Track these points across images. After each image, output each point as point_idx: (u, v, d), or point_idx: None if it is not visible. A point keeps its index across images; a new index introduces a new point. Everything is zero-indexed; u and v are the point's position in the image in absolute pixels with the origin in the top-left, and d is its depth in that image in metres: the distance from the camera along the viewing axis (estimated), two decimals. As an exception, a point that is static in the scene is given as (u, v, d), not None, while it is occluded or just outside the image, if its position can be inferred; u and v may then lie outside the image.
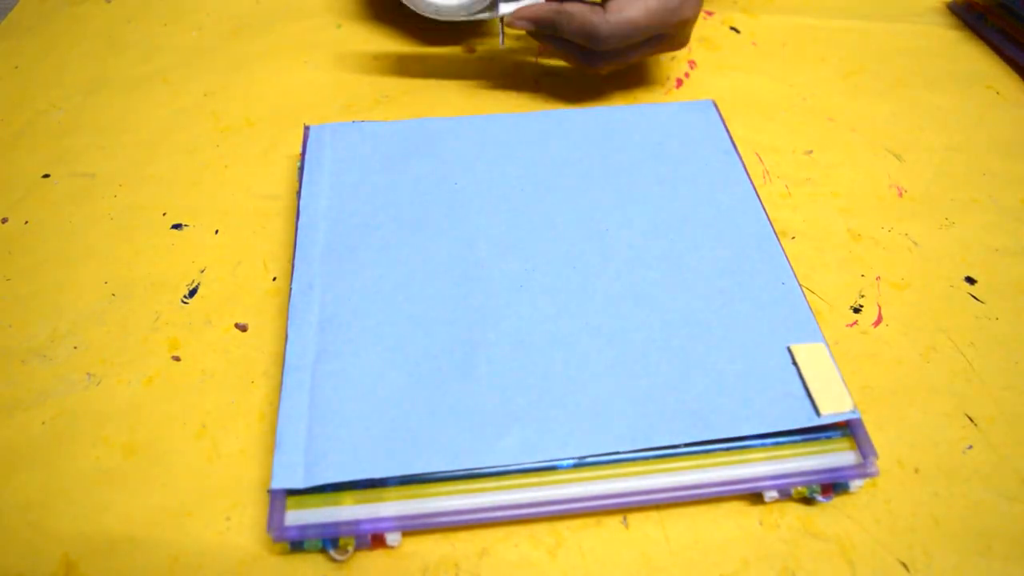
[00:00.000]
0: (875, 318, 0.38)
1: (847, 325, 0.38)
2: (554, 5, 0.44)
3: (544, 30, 0.45)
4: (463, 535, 0.31)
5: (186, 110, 0.49)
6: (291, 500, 0.29)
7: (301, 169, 0.41)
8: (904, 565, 0.30)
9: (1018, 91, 0.51)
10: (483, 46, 0.54)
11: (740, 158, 0.42)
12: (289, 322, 0.34)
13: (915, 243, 0.42)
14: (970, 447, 0.33)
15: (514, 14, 0.44)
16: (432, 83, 0.51)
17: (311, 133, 0.43)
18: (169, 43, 0.54)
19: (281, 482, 0.29)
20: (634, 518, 0.31)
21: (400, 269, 0.36)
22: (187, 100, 0.49)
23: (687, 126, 0.44)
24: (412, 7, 0.46)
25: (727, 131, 0.43)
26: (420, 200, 0.40)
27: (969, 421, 0.34)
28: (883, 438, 0.34)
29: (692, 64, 0.52)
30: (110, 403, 0.34)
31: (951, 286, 0.40)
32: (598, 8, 0.42)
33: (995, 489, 0.32)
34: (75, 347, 0.36)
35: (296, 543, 0.29)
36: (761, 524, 0.31)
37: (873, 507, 0.32)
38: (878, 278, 0.40)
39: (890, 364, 0.36)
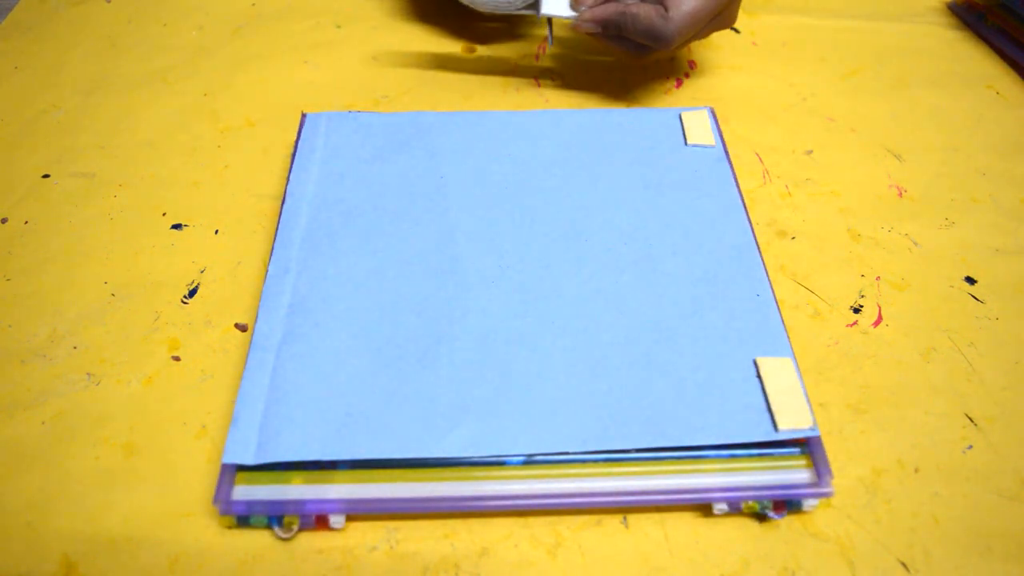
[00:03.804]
0: (875, 318, 0.38)
1: (847, 325, 0.38)
2: (618, 7, 0.44)
3: (608, 31, 0.45)
4: (463, 535, 0.31)
5: (186, 110, 0.49)
6: (241, 475, 0.30)
7: (293, 155, 0.42)
8: (904, 565, 0.30)
9: (1018, 91, 0.51)
10: (483, 46, 0.54)
11: (731, 167, 0.42)
12: (261, 303, 0.35)
13: (915, 243, 0.42)
14: (970, 447, 0.33)
15: (580, 17, 0.45)
16: (432, 83, 0.51)
17: (307, 120, 0.44)
18: (169, 43, 0.54)
19: (233, 457, 0.30)
20: (634, 518, 0.31)
21: (376, 258, 0.37)
22: (187, 100, 0.49)
23: (680, 132, 0.44)
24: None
25: (722, 139, 0.43)
26: (404, 192, 0.40)
27: (969, 421, 0.34)
28: (883, 438, 0.34)
29: (692, 64, 0.52)
30: (110, 403, 0.34)
31: (951, 286, 0.40)
32: (660, 8, 0.43)
33: (995, 489, 0.32)
34: (75, 347, 0.36)
35: (242, 518, 0.30)
36: (761, 524, 0.31)
37: (873, 507, 0.32)
38: (878, 278, 0.40)
39: (890, 364, 0.36)
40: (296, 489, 0.30)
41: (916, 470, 0.33)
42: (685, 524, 0.31)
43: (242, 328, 0.37)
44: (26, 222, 0.42)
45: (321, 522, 0.30)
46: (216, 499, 0.29)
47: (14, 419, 0.34)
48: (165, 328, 0.37)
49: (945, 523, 0.31)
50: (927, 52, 0.54)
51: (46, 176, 0.44)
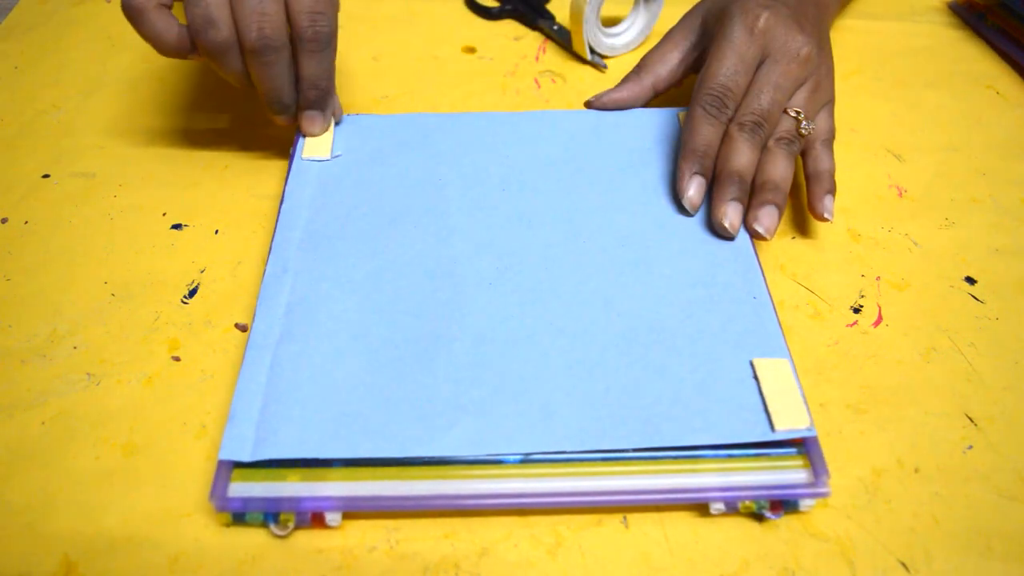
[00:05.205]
0: (875, 318, 0.38)
1: (847, 325, 0.38)
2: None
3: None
4: (463, 535, 0.31)
5: (186, 110, 0.49)
6: (237, 472, 0.30)
7: (292, 156, 0.42)
8: (904, 565, 0.30)
9: (1018, 91, 0.51)
10: (483, 46, 0.54)
11: None
12: (259, 302, 0.35)
13: (915, 243, 0.42)
14: (970, 447, 0.33)
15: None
16: (432, 83, 0.51)
17: None
18: (169, 43, 0.54)
19: (229, 454, 0.30)
20: (634, 518, 0.31)
21: (374, 260, 0.37)
22: (187, 100, 0.49)
23: (679, 132, 0.43)
24: (591, 44, 0.51)
25: None
26: (403, 193, 0.40)
27: (969, 421, 0.34)
28: (883, 438, 0.34)
29: (692, 64, 0.52)
30: (110, 403, 0.34)
31: (951, 286, 0.40)
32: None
33: (995, 489, 0.32)
34: (75, 347, 0.36)
35: (238, 515, 0.30)
36: (761, 524, 0.31)
37: (873, 507, 0.32)
38: (878, 278, 0.40)
39: (890, 364, 0.36)
40: (292, 486, 0.30)
41: (916, 470, 0.33)
42: (685, 524, 0.31)
43: (242, 328, 0.37)
44: (26, 222, 0.42)
45: (317, 519, 0.30)
46: (212, 495, 0.29)
47: (14, 419, 0.34)
48: (165, 328, 0.37)
49: (945, 523, 0.31)
50: (927, 52, 0.54)
51: (46, 176, 0.44)
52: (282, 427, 0.31)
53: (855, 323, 0.38)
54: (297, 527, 0.30)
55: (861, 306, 0.39)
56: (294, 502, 0.30)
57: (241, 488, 0.30)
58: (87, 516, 0.31)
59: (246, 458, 0.30)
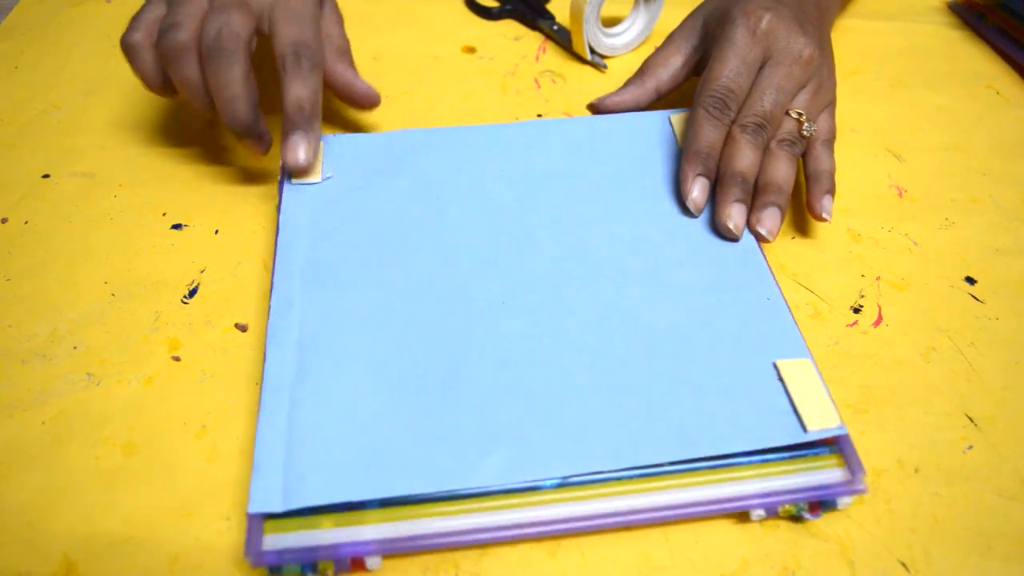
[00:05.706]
0: (875, 318, 0.38)
1: (847, 325, 0.38)
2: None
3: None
4: (463, 535, 0.31)
5: (186, 110, 0.49)
6: (269, 524, 0.28)
7: (280, 183, 0.40)
8: (904, 565, 0.30)
9: (1018, 91, 0.51)
10: (483, 46, 0.54)
11: None
12: (268, 341, 0.33)
13: (915, 243, 0.42)
14: (970, 447, 0.33)
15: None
16: (432, 83, 0.51)
17: None
18: (169, 43, 0.54)
19: (259, 506, 0.28)
20: (634, 518, 0.31)
21: (381, 288, 0.36)
22: (187, 100, 0.49)
23: (671, 136, 0.43)
24: (592, 44, 0.51)
25: None
26: (402, 216, 0.39)
27: (969, 421, 0.34)
28: (883, 438, 0.34)
29: (692, 64, 0.52)
30: (110, 403, 0.34)
31: (951, 286, 0.40)
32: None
33: (995, 489, 0.32)
34: (75, 347, 0.36)
35: (275, 568, 0.28)
36: (761, 524, 0.31)
37: (873, 507, 0.32)
38: (878, 278, 0.40)
39: (890, 364, 0.36)
40: (327, 533, 0.28)
41: (916, 470, 0.33)
42: (685, 524, 0.31)
43: (242, 328, 0.37)
44: (26, 222, 0.42)
45: (357, 564, 0.29)
46: (247, 552, 0.28)
47: (14, 419, 0.34)
48: (165, 328, 0.37)
49: (945, 523, 0.31)
50: (927, 52, 0.54)
51: (46, 176, 0.44)
52: (310, 473, 0.29)
53: (855, 323, 0.38)
54: (337, 573, 0.29)
55: (861, 306, 0.39)
56: (331, 550, 0.28)
57: (275, 540, 0.28)
58: (87, 516, 0.31)
59: (277, 509, 0.28)
